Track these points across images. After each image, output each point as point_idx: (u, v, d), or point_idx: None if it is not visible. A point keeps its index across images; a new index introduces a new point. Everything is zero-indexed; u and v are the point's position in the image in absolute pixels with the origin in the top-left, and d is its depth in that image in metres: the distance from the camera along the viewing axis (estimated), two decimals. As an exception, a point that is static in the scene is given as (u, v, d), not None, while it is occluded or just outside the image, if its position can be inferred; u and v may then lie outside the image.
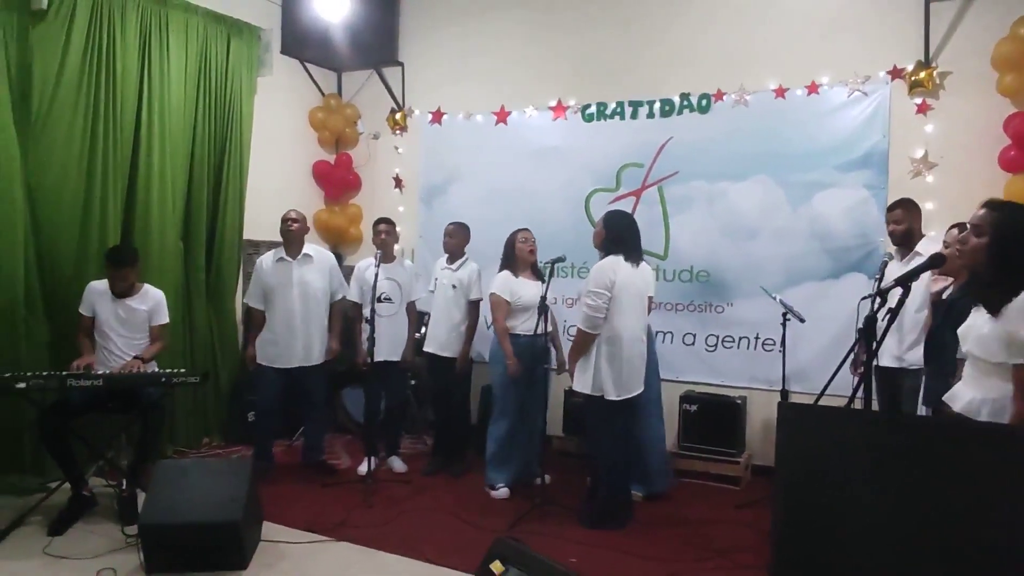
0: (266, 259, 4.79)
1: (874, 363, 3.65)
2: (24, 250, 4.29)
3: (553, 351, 4.63)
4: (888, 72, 4.55)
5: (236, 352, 5.61)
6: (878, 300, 2.75)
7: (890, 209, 3.97)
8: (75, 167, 4.55)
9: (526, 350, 4.34)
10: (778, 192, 4.87)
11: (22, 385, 3.65)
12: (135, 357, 4.11)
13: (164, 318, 4.33)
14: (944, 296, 3.24)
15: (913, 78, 4.46)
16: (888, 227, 3.95)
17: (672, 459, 4.76)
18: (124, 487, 3.98)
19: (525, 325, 4.38)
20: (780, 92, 4.85)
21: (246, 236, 5.68)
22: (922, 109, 4.46)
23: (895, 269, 3.70)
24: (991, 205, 2.41)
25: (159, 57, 4.97)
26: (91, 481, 4.14)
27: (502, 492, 4.40)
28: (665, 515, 4.14)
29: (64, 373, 3.82)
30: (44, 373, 3.82)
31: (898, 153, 4.53)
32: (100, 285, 4.20)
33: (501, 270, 4.52)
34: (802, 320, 4.40)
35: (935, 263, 2.67)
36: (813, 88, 4.76)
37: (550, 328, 4.47)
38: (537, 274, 4.57)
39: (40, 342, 4.42)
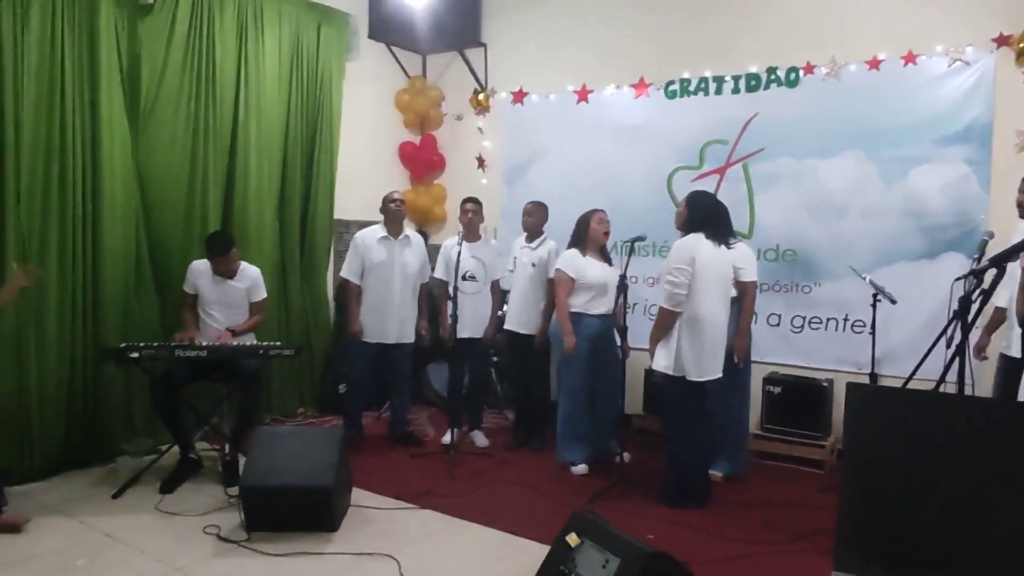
0: (367, 236, 4.87)
1: (1006, 353, 3.51)
2: (136, 229, 4.58)
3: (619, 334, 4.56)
4: (993, 40, 4.26)
5: (328, 327, 5.84)
6: (972, 281, 2.62)
7: None
8: (180, 151, 4.80)
9: (592, 329, 4.33)
10: (870, 168, 4.67)
11: (135, 355, 3.91)
12: (227, 329, 4.34)
13: (262, 294, 4.54)
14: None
15: (1021, 45, 4.17)
16: (1019, 196, 3.52)
17: (751, 440, 4.70)
18: (227, 452, 4.24)
19: (590, 304, 4.37)
20: (874, 63, 4.63)
21: (336, 216, 5.86)
22: (1031, 78, 4.19)
23: None
24: None
25: (255, 46, 5.17)
26: (197, 445, 4.43)
27: (581, 469, 4.43)
28: (745, 496, 4.09)
29: (172, 344, 4.09)
30: (154, 344, 4.09)
31: (1003, 126, 4.25)
32: (201, 265, 4.42)
33: (569, 248, 4.50)
34: (893, 301, 4.22)
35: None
36: (910, 58, 4.51)
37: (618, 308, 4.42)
38: (605, 256, 4.54)
39: (150, 315, 4.70)
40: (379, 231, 4.87)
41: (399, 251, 4.85)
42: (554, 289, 4.49)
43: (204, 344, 4.14)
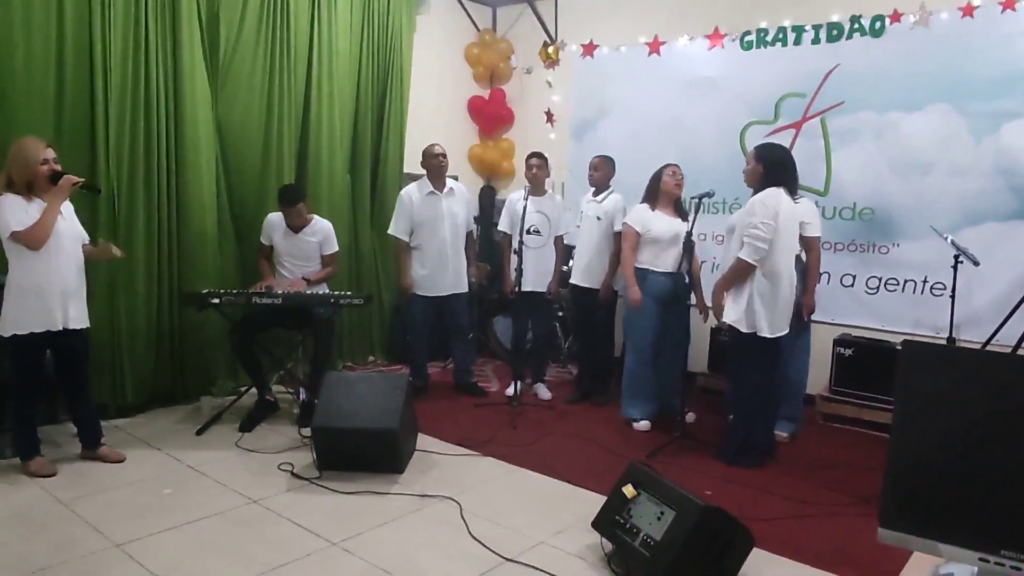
0: (413, 192, 4.90)
1: None
2: (216, 181, 4.75)
3: (693, 293, 4.50)
4: (1105, -19, 3.96)
5: (396, 278, 5.97)
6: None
7: None
8: (256, 105, 4.94)
9: (654, 286, 4.30)
10: (959, 122, 4.43)
11: (216, 300, 4.10)
12: (302, 278, 4.48)
13: (334, 247, 4.66)
14: None
15: None
16: None
17: (819, 403, 4.62)
18: (301, 394, 4.44)
19: (657, 260, 4.33)
20: (968, 10, 4.35)
21: (406, 170, 5.93)
22: None
23: None
24: None
25: (327, 2, 5.22)
26: (273, 388, 4.63)
27: (643, 425, 4.45)
28: (810, 458, 4.04)
29: (249, 291, 4.26)
30: (233, 291, 4.27)
31: (1111, 76, 3.97)
32: (276, 217, 4.56)
33: (642, 202, 4.45)
34: (976, 263, 4.03)
35: None
36: (1009, 4, 4.22)
37: (693, 267, 4.36)
38: (679, 211, 4.45)
39: (229, 263, 4.91)
40: (424, 186, 4.89)
41: (446, 204, 4.89)
42: (621, 242, 4.45)
43: (279, 292, 4.30)
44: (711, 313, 4.10)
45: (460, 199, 5.00)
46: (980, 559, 1.29)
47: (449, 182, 4.98)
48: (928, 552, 1.35)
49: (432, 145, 4.93)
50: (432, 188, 4.89)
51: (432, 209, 4.88)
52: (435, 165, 4.88)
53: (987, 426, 1.27)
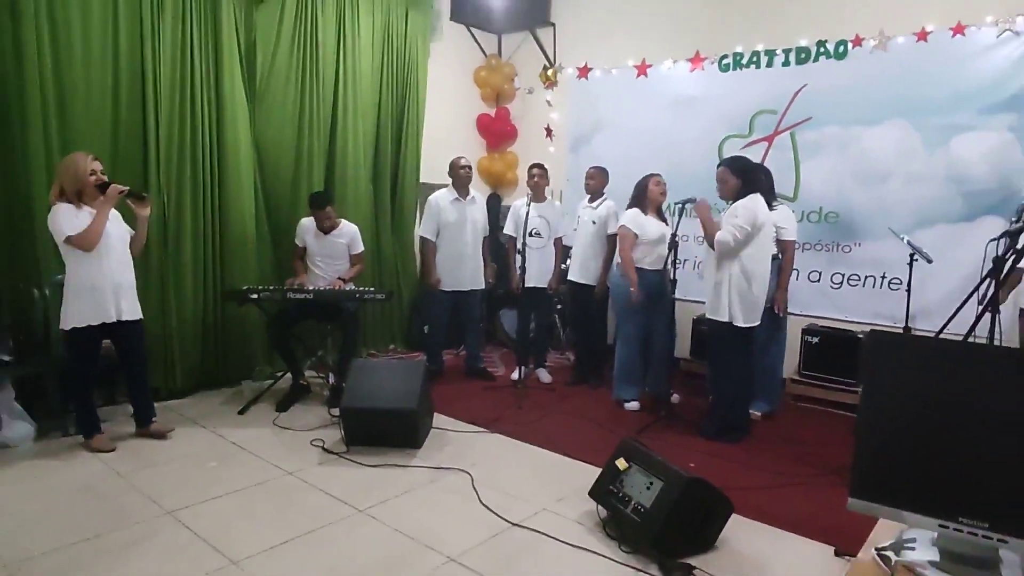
0: (441, 198, 4.93)
1: None
2: (254, 190, 4.74)
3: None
4: (1045, 9, 3.91)
5: (414, 276, 5.96)
6: (1006, 241, 2.47)
7: None
8: (289, 123, 4.93)
9: (646, 282, 4.27)
10: (914, 136, 4.39)
11: (254, 296, 4.10)
12: (338, 278, 4.48)
13: (360, 247, 4.65)
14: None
15: (1074, 14, 3.81)
16: None
17: (789, 385, 4.60)
18: (330, 379, 4.44)
19: (649, 259, 4.30)
20: (923, 35, 4.31)
21: (422, 179, 5.91)
22: (1082, 47, 3.82)
23: None
24: None
25: (351, 30, 5.20)
26: (306, 373, 4.63)
27: (633, 405, 4.43)
28: (782, 434, 4.03)
29: (284, 288, 4.25)
30: (270, 288, 4.26)
31: (1050, 94, 3.93)
32: (308, 221, 4.55)
33: (630, 208, 4.41)
34: (929, 261, 4.00)
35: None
36: (959, 29, 4.18)
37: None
38: (662, 216, 4.44)
39: (267, 263, 4.90)
40: (449, 194, 4.92)
41: (468, 210, 4.91)
42: (619, 244, 4.40)
43: (311, 289, 4.29)
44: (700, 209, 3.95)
45: (480, 207, 5.04)
46: (940, 525, 1.28)
47: (473, 192, 4.98)
48: (893, 519, 1.34)
49: (459, 158, 4.95)
50: (457, 195, 4.91)
51: (456, 214, 4.89)
52: (460, 176, 4.90)
53: (944, 406, 1.26)
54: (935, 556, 1.31)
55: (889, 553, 1.32)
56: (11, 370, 3.53)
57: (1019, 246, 2.30)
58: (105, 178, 3.39)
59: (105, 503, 2.92)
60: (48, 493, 3.00)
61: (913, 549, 1.33)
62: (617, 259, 4.43)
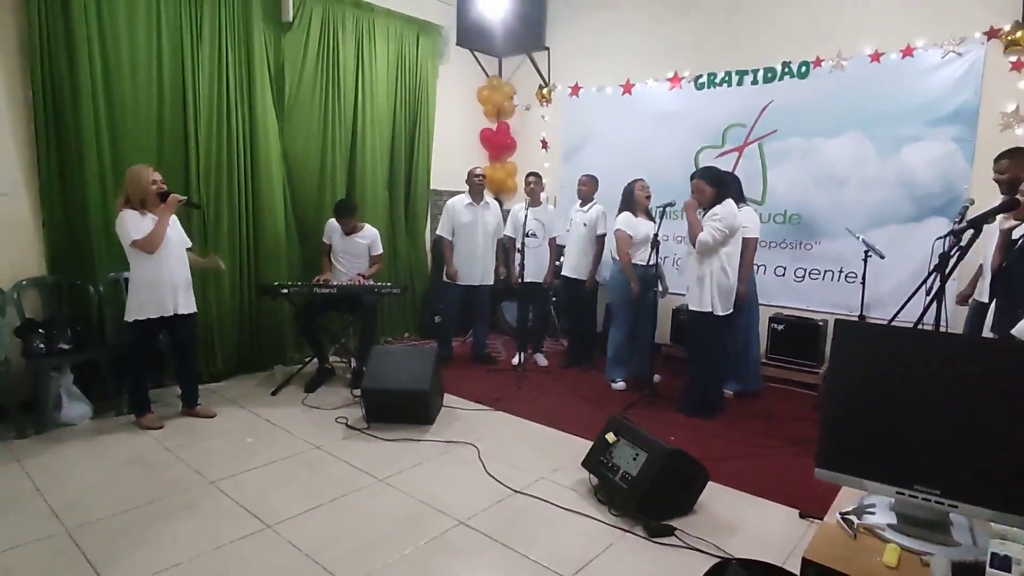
0: (457, 203, 4.90)
1: (977, 298, 3.29)
2: (283, 196, 4.72)
3: (660, 280, 4.45)
4: (984, 33, 3.87)
5: (426, 273, 5.95)
6: (951, 239, 2.45)
7: (997, 159, 3.19)
8: (314, 138, 4.89)
9: (639, 277, 4.27)
10: (868, 146, 4.36)
11: (285, 291, 4.09)
12: (359, 275, 4.47)
13: (379, 249, 4.61)
14: (1015, 236, 2.80)
15: (1010, 38, 3.77)
16: (993, 177, 3.20)
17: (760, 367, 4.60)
18: (352, 363, 4.43)
19: (639, 256, 4.28)
20: (875, 57, 4.28)
21: (432, 187, 5.88)
22: (1017, 66, 3.79)
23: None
24: None
25: (369, 54, 5.16)
26: (331, 358, 4.62)
27: (620, 385, 4.44)
28: (752, 410, 4.03)
29: (311, 283, 4.25)
30: (299, 283, 4.26)
31: (989, 108, 3.89)
32: (335, 223, 4.51)
33: (620, 212, 4.40)
34: (882, 257, 3.99)
35: (1009, 206, 2.32)
36: (908, 51, 4.15)
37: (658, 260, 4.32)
38: (649, 216, 4.42)
39: (296, 262, 4.88)
40: (465, 199, 4.89)
41: (481, 214, 4.87)
42: (618, 245, 4.34)
43: (335, 284, 4.29)
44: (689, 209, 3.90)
45: (494, 212, 4.98)
46: (897, 492, 1.27)
47: (487, 197, 4.95)
48: (855, 487, 1.33)
49: (474, 168, 4.94)
50: (471, 200, 4.88)
51: (469, 217, 4.86)
52: (474, 183, 4.87)
53: (900, 386, 1.25)
54: (893, 519, 1.30)
55: (852, 517, 1.32)
56: (70, 357, 3.52)
57: (963, 243, 2.27)
58: (165, 187, 3.39)
59: (155, 474, 2.91)
60: (105, 466, 2.99)
61: (873, 513, 1.33)
62: (613, 255, 4.42)
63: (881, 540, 1.26)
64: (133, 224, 3.24)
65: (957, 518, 1.29)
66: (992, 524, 1.26)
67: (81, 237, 3.70)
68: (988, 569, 1.07)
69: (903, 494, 1.27)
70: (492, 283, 5.03)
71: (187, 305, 3.49)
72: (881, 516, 1.32)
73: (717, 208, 3.65)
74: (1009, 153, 3.15)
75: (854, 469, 1.31)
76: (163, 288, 3.35)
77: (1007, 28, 3.79)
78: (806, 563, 1.17)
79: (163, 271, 3.34)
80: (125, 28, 3.78)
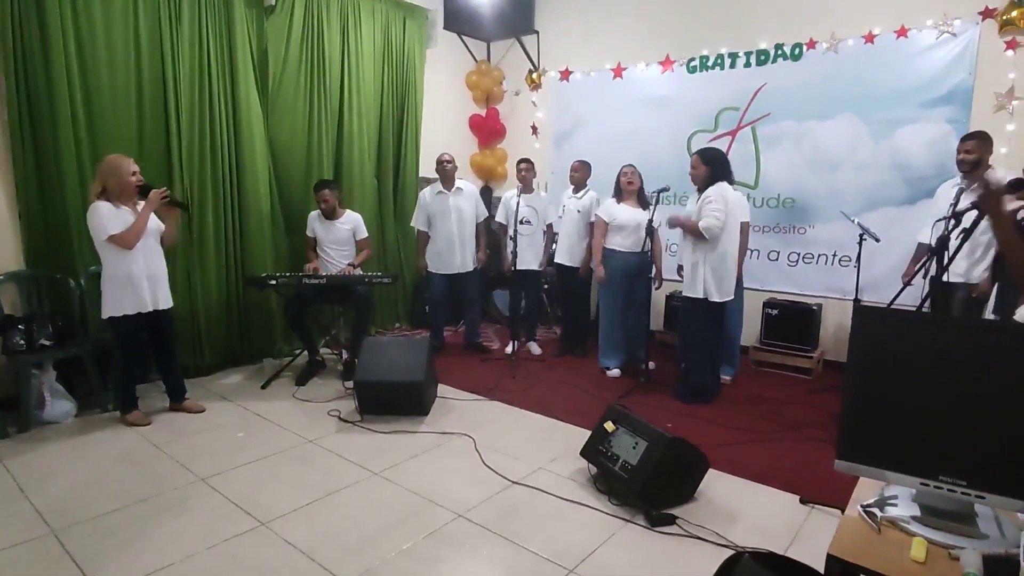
0: (428, 192, 4.82)
1: (932, 276, 3.27)
2: (268, 186, 4.59)
3: (655, 268, 4.39)
4: (979, 12, 3.83)
5: (416, 261, 5.85)
6: (952, 222, 2.41)
7: (964, 140, 3.31)
8: (300, 125, 4.76)
9: (622, 263, 4.19)
10: (862, 128, 4.32)
11: (273, 281, 3.98)
12: (348, 264, 4.37)
13: (364, 233, 4.49)
14: (1019, 216, 2.77)
15: (1004, 17, 3.73)
16: (959, 155, 3.30)
17: (753, 352, 4.58)
18: (344, 355, 4.34)
19: (623, 243, 4.20)
20: (870, 38, 4.22)
21: (421, 173, 5.77)
22: (1011, 46, 3.75)
23: (968, 197, 3.20)
24: None
25: (355, 38, 5.02)
26: (322, 350, 4.52)
27: (614, 372, 4.39)
28: (747, 395, 4.00)
29: (300, 274, 4.13)
30: (287, 274, 4.14)
31: (983, 89, 3.86)
32: (315, 214, 4.40)
33: (613, 197, 4.32)
34: (877, 240, 3.95)
35: (1016, 186, 2.26)
36: (902, 32, 4.10)
37: (655, 248, 4.26)
38: (642, 202, 4.32)
39: (283, 251, 4.76)
40: (436, 187, 4.79)
41: (453, 200, 4.76)
42: (593, 230, 4.32)
43: (324, 274, 4.18)
44: (662, 279, 3.96)
45: (468, 197, 4.84)
46: (921, 483, 1.22)
47: (459, 183, 4.83)
48: (876, 479, 1.28)
49: (442, 154, 4.80)
50: (442, 188, 4.77)
51: (441, 205, 4.76)
52: (442, 170, 4.76)
53: (923, 373, 1.19)
54: (916, 511, 1.25)
55: (875, 510, 1.27)
56: (52, 353, 3.39)
57: (967, 225, 2.23)
58: (143, 180, 3.24)
59: (143, 472, 2.82)
60: (91, 464, 2.89)
61: (895, 505, 1.27)
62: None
63: (906, 534, 1.21)
64: (109, 217, 3.09)
65: (982, 509, 1.25)
66: (1020, 515, 1.22)
67: (60, 230, 3.56)
68: (1023, 562, 1.03)
69: (927, 485, 1.21)
70: (473, 268, 4.92)
71: (165, 300, 3.38)
72: (904, 508, 1.27)
73: (709, 191, 3.58)
74: (977, 135, 3.28)
75: (877, 460, 1.25)
76: (140, 283, 3.22)
77: (1002, 7, 3.75)
78: (831, 559, 1.11)
79: (139, 264, 3.21)
80: (101, 13, 3.62)
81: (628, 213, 4.23)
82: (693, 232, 3.61)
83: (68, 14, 3.47)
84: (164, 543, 2.26)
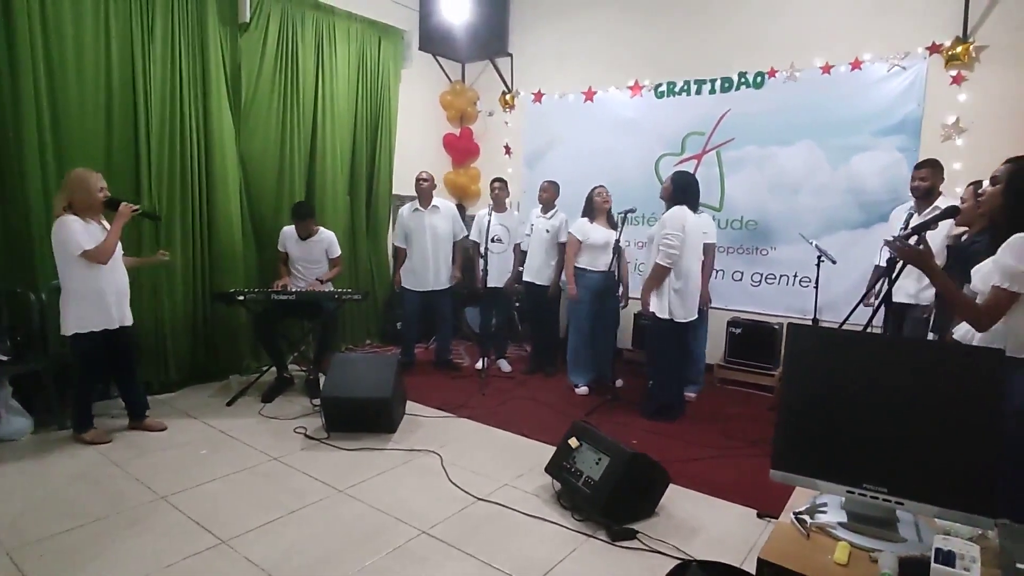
0: (405, 209, 4.88)
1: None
2: (239, 202, 4.60)
3: (622, 287, 4.48)
4: (927, 48, 4.07)
5: (388, 277, 5.88)
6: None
7: (918, 167, 3.51)
8: (272, 141, 4.79)
9: (591, 282, 4.29)
10: (820, 154, 4.53)
11: (241, 297, 3.97)
12: (316, 279, 4.39)
13: (337, 251, 4.54)
14: (963, 239, 2.95)
15: (950, 53, 3.97)
16: (913, 182, 3.50)
17: (717, 370, 4.70)
18: (311, 372, 4.34)
19: (595, 262, 4.30)
20: (826, 69, 4.45)
21: (394, 191, 5.83)
22: (956, 80, 3.99)
23: (917, 220, 3.40)
24: (1011, 160, 2.13)
25: (329, 56, 5.10)
26: (289, 367, 4.50)
27: (582, 390, 4.45)
28: (711, 412, 4.10)
29: (269, 290, 4.14)
30: (255, 289, 4.15)
31: (931, 120, 4.09)
32: (289, 230, 4.44)
33: (583, 217, 4.44)
34: (834, 262, 4.13)
35: (950, 213, 2.42)
36: (856, 64, 4.33)
37: (622, 268, 4.38)
38: (611, 222, 4.44)
39: (252, 267, 4.76)
40: (414, 204, 4.85)
41: (429, 218, 4.81)
42: (566, 248, 4.41)
43: (293, 290, 4.20)
44: (642, 307, 4.07)
45: (445, 215, 4.88)
46: (847, 491, 1.31)
47: (436, 201, 4.88)
48: (808, 487, 1.37)
49: (420, 172, 4.86)
50: (418, 206, 4.83)
51: (417, 222, 4.82)
52: (418, 188, 4.82)
53: (849, 387, 1.29)
54: (843, 518, 1.34)
55: (805, 516, 1.35)
56: (9, 368, 3.34)
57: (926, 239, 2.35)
58: (109, 194, 3.24)
59: (102, 490, 2.79)
60: (47, 482, 2.85)
61: (825, 512, 1.37)
62: None
63: (833, 538, 1.30)
64: (80, 233, 3.08)
65: (904, 515, 1.34)
66: (936, 520, 1.32)
67: (22, 243, 3.53)
68: (933, 564, 1.11)
69: (852, 493, 1.31)
70: (447, 286, 4.97)
71: (129, 317, 3.37)
72: (832, 515, 1.36)
73: (665, 215, 3.72)
74: (929, 163, 3.47)
75: (807, 469, 1.34)
76: (107, 299, 3.21)
77: (948, 44, 3.99)
78: (761, 563, 1.19)
79: (108, 281, 3.20)
80: (71, 26, 3.63)
81: (600, 233, 4.34)
82: (656, 279, 3.72)
83: (37, 27, 3.48)
84: (121, 562, 2.25)
